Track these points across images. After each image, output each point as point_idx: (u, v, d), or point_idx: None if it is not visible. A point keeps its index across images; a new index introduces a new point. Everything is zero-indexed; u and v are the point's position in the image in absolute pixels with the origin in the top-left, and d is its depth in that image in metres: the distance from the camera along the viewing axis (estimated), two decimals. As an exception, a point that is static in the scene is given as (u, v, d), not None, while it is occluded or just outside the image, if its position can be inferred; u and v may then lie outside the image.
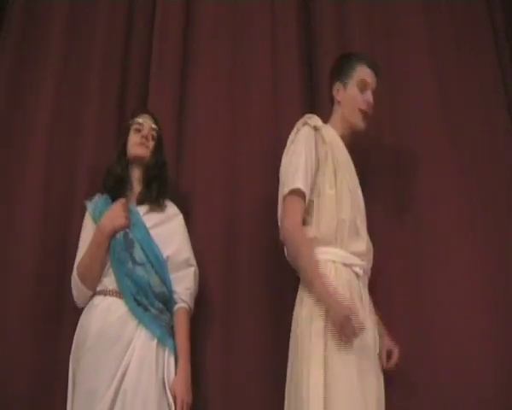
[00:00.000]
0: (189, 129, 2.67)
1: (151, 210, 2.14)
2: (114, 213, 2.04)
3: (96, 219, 2.10)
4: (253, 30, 2.81)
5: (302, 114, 2.58)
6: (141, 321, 1.95)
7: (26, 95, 2.72)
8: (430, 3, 2.75)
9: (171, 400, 1.90)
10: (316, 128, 2.07)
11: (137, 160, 2.20)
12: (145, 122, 2.22)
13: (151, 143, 2.22)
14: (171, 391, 1.91)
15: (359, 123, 2.14)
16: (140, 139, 2.18)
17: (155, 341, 1.95)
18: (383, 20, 2.75)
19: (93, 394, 1.83)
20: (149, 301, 1.99)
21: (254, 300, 2.36)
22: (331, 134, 2.10)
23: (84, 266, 2.05)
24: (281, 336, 2.06)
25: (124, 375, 1.86)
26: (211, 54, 2.78)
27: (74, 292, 2.08)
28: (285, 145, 2.52)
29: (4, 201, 2.53)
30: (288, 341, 1.98)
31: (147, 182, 2.20)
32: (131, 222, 2.07)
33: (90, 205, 2.16)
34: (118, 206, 2.06)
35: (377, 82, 2.18)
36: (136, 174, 2.21)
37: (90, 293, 2.04)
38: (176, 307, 2.06)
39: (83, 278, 2.03)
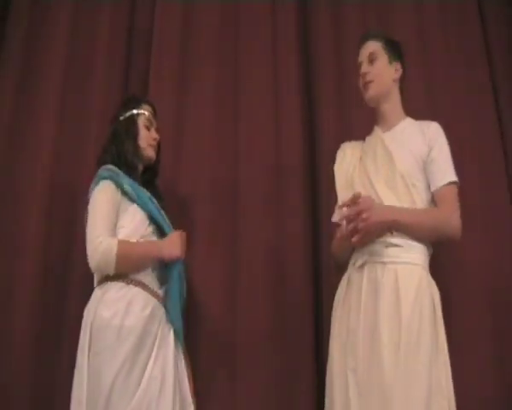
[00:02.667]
0: (188, 130, 2.67)
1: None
2: (174, 244, 2.01)
3: (129, 196, 2.02)
4: (253, 30, 2.83)
5: (301, 111, 2.69)
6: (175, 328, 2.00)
7: (31, 99, 2.72)
8: (420, 4, 2.82)
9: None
10: None
11: (147, 160, 2.19)
12: (153, 119, 2.21)
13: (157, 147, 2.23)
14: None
15: None
16: (152, 142, 2.18)
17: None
18: (377, 21, 2.81)
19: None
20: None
21: (257, 301, 2.38)
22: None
23: (129, 257, 1.93)
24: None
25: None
26: (210, 54, 2.79)
27: (98, 262, 1.90)
28: (284, 144, 2.62)
29: (10, 201, 2.54)
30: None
31: (149, 176, 2.20)
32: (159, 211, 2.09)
33: (119, 178, 2.02)
34: (177, 237, 2.03)
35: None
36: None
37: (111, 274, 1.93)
38: None
39: (119, 263, 1.90)
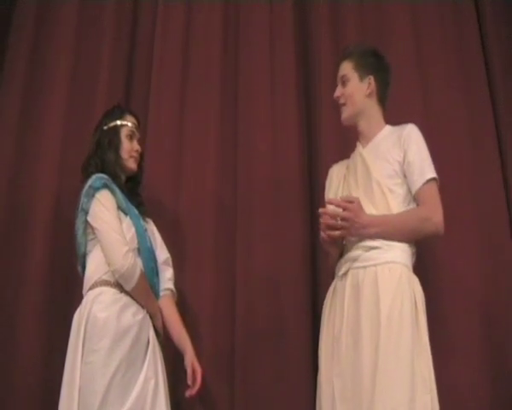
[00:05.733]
0: (188, 129, 2.72)
1: (140, 215, 2.20)
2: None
3: (123, 209, 2.09)
4: (251, 31, 2.87)
5: (298, 112, 2.72)
6: None
7: (38, 102, 2.78)
8: (417, 4, 2.83)
9: None
10: None
11: (129, 171, 2.23)
12: (136, 131, 2.25)
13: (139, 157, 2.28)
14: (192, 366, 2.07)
15: None
16: (134, 153, 2.22)
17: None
18: (374, 21, 2.83)
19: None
20: None
21: (255, 314, 2.43)
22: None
23: (143, 284, 2.03)
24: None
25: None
26: (210, 54, 2.83)
27: (127, 269, 1.97)
28: (282, 143, 2.66)
29: (17, 208, 2.61)
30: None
31: (130, 187, 2.24)
32: (145, 228, 2.15)
33: (114, 190, 2.09)
34: None
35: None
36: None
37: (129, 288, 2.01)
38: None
39: (139, 282, 2.00)
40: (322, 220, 1.89)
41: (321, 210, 1.89)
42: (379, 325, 1.76)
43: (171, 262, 2.24)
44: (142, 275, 2.03)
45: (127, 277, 1.97)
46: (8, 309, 2.46)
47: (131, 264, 1.97)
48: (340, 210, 1.86)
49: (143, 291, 2.04)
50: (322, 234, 1.90)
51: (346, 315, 1.85)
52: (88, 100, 2.77)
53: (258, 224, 2.55)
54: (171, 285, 2.20)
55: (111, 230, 2.00)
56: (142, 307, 2.03)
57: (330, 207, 1.90)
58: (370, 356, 1.74)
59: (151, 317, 2.06)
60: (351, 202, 1.86)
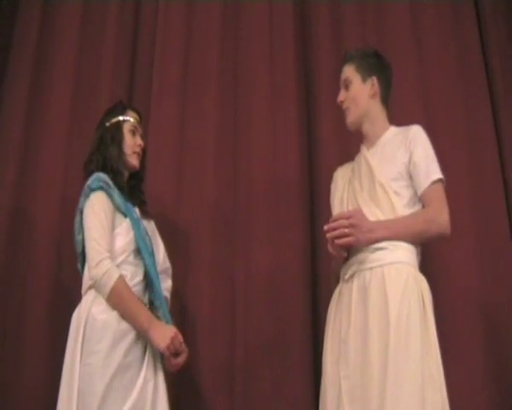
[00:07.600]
0: (189, 130, 2.74)
1: (142, 214, 2.18)
2: (164, 337, 1.94)
3: (121, 211, 2.05)
4: (250, 31, 2.87)
5: (298, 112, 2.72)
6: None
7: (42, 99, 2.80)
8: (417, 3, 2.85)
9: None
10: None
11: (131, 167, 2.21)
12: (138, 126, 2.24)
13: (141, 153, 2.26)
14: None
15: None
16: (137, 148, 2.20)
17: None
18: (374, 21, 2.85)
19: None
20: None
21: (256, 320, 2.43)
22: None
23: (120, 297, 1.93)
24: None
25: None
26: (209, 54, 2.84)
27: (99, 281, 1.91)
28: (281, 144, 2.65)
29: (22, 214, 2.62)
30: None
31: (133, 184, 2.22)
32: (145, 230, 2.11)
33: (110, 189, 2.04)
34: (171, 334, 1.94)
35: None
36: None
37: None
38: None
39: (112, 294, 1.92)
40: (328, 236, 1.85)
41: (325, 227, 1.86)
42: (388, 325, 1.75)
43: (170, 273, 2.22)
44: (121, 288, 1.92)
45: (99, 286, 1.92)
46: (15, 310, 2.48)
47: (102, 273, 1.90)
48: (344, 221, 1.83)
49: (120, 303, 1.92)
50: (330, 249, 1.87)
51: (354, 317, 1.84)
52: (91, 97, 2.78)
53: (258, 226, 2.55)
54: (166, 296, 2.16)
55: (90, 236, 1.96)
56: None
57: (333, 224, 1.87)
58: (380, 357, 1.73)
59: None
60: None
